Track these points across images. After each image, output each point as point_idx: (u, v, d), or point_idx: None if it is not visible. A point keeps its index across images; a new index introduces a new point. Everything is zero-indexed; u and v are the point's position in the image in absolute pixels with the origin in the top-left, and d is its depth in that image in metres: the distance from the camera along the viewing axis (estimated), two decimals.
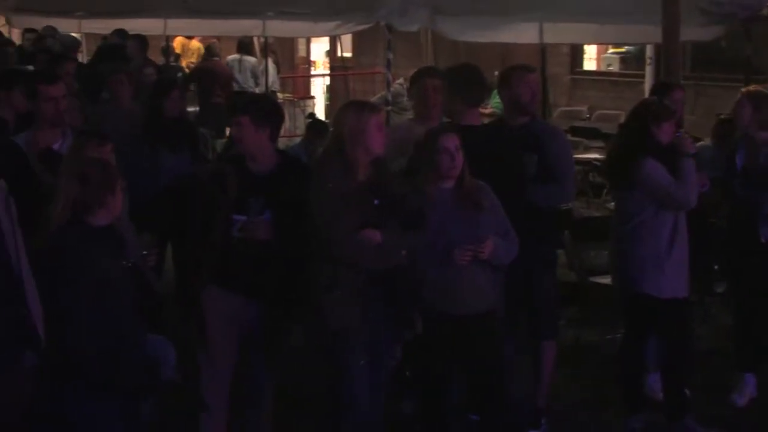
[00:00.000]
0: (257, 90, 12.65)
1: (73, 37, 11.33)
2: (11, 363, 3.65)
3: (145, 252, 4.31)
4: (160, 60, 12.68)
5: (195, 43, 15.88)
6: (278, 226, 4.53)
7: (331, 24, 10.91)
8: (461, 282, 4.54)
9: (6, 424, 3.72)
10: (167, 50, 13.67)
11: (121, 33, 10.94)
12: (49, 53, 8.91)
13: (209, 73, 12.35)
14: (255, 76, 13.32)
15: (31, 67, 8.54)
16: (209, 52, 12.78)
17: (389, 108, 9.68)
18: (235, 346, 4.74)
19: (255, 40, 14.26)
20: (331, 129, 5.61)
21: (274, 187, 4.59)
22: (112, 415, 3.86)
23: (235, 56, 13.41)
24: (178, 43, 15.40)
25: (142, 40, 10.85)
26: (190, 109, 9.75)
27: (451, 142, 4.54)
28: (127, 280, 3.90)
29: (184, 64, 14.74)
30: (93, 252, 3.80)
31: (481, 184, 4.65)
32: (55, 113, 5.36)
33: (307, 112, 13.76)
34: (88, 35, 13.96)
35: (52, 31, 11.43)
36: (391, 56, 10.04)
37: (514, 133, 5.26)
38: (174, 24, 12.52)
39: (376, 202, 4.38)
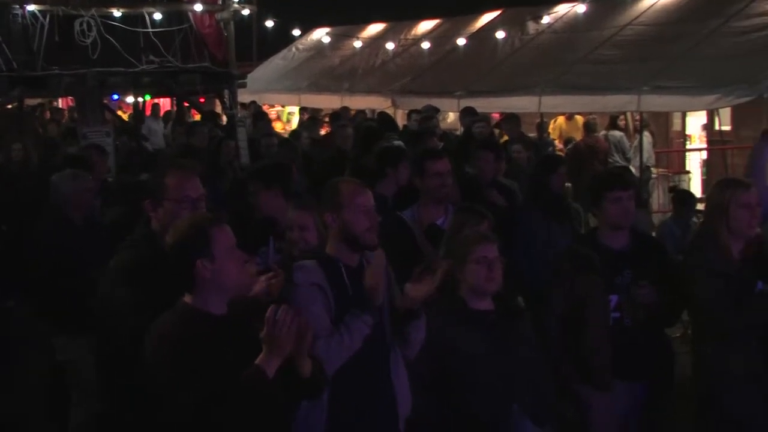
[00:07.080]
0: (628, 165, 12.47)
1: None
2: None
3: None
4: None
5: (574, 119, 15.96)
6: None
7: (710, 98, 10.59)
8: None
9: None
10: (541, 126, 13.94)
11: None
12: (432, 133, 9.39)
13: (589, 149, 12.43)
14: (621, 151, 13.18)
15: None
16: (588, 128, 12.90)
17: None
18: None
19: (628, 115, 14.15)
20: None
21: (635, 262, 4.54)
22: None
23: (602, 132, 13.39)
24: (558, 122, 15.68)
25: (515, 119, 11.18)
26: None
27: None
28: None
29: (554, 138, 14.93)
30: None
31: None
32: (440, 189, 5.61)
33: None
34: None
35: (433, 111, 12.05)
36: None
37: None
38: (548, 101, 12.76)
39: (759, 284, 4.18)
